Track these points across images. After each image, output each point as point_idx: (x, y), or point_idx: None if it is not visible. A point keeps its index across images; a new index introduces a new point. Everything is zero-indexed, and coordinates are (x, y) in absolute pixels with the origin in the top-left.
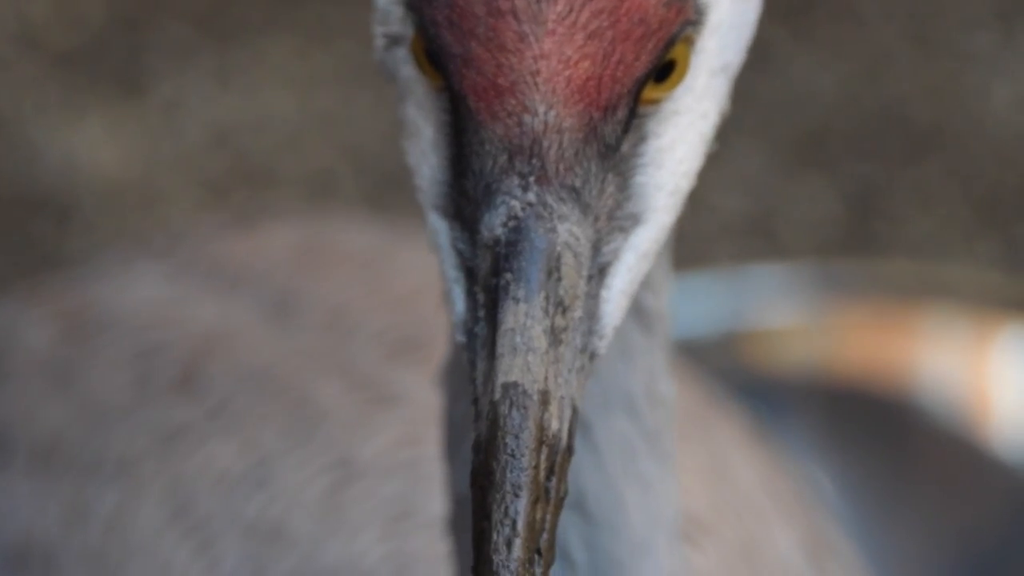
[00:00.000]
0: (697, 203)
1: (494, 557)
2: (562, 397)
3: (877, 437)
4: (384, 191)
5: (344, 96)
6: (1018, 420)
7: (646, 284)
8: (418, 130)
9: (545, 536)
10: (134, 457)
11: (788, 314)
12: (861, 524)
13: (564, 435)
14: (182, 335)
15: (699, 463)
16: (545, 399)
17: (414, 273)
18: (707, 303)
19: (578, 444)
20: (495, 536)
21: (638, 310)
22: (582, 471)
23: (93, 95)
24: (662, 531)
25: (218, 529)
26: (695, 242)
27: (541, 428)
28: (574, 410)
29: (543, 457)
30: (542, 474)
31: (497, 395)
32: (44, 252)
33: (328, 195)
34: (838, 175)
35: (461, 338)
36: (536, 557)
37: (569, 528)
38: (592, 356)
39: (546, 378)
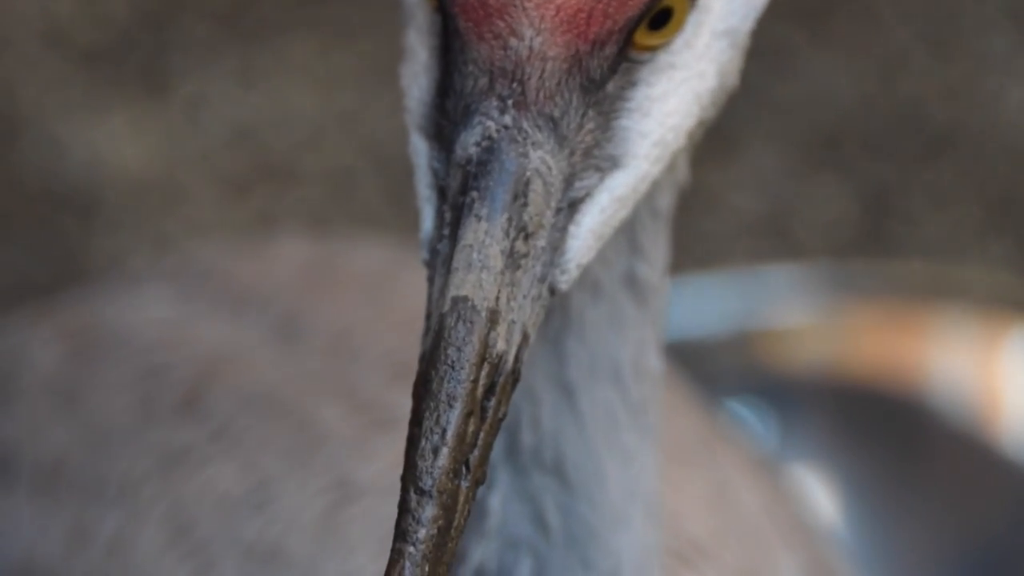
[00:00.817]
0: (713, 203)
1: (419, 463)
2: (512, 321)
3: (888, 436)
4: (404, 189)
5: (365, 94)
6: None
7: (641, 254)
8: (414, 54)
9: (476, 453)
10: (136, 479)
11: (802, 313)
12: (871, 523)
13: (510, 358)
14: (187, 357)
15: (701, 488)
16: (494, 318)
17: (420, 296)
18: (721, 302)
19: (562, 409)
20: (423, 442)
21: (632, 281)
22: (564, 436)
23: (117, 93)
24: (639, 505)
25: (217, 551)
26: (711, 241)
27: (485, 345)
28: (525, 336)
29: (483, 374)
30: (480, 390)
31: (446, 307)
32: (68, 248)
33: (348, 193)
34: (853, 176)
35: (425, 255)
36: (463, 471)
37: (546, 493)
38: (552, 289)
39: (498, 298)
